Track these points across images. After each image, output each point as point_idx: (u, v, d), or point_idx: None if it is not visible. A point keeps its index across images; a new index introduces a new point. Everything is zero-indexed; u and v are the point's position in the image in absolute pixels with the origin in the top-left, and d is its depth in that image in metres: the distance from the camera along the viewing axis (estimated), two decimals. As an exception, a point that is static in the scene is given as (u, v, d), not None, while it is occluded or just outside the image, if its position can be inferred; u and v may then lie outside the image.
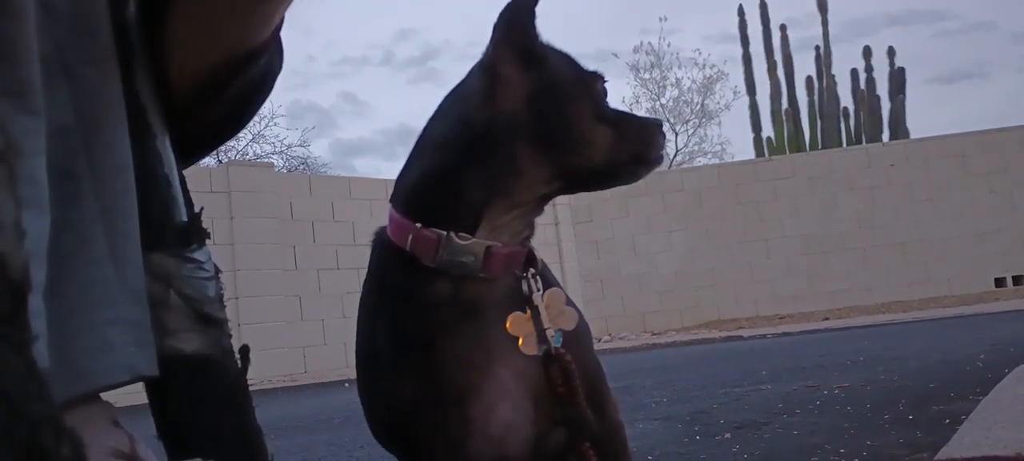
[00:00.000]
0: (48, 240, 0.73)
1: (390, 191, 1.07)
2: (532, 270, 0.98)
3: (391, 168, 44.69)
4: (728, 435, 2.58)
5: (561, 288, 1.02)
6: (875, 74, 16.58)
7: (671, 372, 5.17)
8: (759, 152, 16.39)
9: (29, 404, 0.44)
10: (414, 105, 42.10)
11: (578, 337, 1.01)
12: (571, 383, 0.95)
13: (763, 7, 16.81)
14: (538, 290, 0.97)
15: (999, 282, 12.37)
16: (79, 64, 0.88)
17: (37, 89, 0.68)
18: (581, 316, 1.04)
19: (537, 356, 0.95)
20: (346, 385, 7.65)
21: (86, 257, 0.86)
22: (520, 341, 0.95)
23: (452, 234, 0.94)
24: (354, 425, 4.25)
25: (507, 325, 0.95)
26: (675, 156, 23.56)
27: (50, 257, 0.74)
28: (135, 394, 1.28)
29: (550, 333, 0.95)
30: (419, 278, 0.95)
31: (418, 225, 0.96)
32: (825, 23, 16.85)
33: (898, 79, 16.43)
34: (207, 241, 1.18)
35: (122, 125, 0.93)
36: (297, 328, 9.58)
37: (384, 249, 1.01)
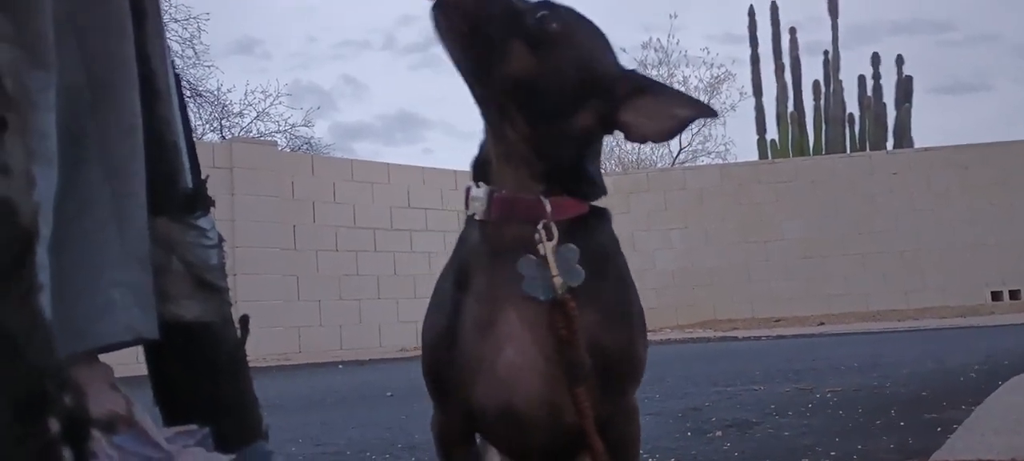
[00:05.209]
0: (54, 197, 0.74)
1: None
2: (543, 221, 1.02)
3: (391, 152, 44.54)
4: (719, 433, 2.58)
5: (597, 250, 1.06)
6: (882, 81, 16.54)
7: (665, 368, 5.18)
8: (763, 154, 16.36)
9: (33, 351, 0.44)
10: (414, 91, 41.75)
11: (623, 319, 1.07)
12: (571, 327, 0.99)
13: (774, 8, 16.75)
14: (550, 240, 1.01)
15: (995, 295, 12.37)
16: (91, 24, 0.88)
17: (50, 44, 0.68)
18: (637, 303, 1.10)
19: (544, 302, 1.00)
20: (340, 367, 7.66)
21: (90, 217, 0.86)
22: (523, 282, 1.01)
23: (472, 184, 1.06)
24: (347, 406, 4.26)
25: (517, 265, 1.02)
26: (678, 154, 23.57)
27: (55, 215, 0.74)
28: (129, 365, 1.28)
29: (558, 282, 0.99)
30: (468, 228, 1.08)
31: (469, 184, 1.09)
32: (835, 28, 16.79)
33: (905, 87, 16.39)
34: (211, 210, 1.18)
35: (132, 88, 0.93)
36: (293, 308, 9.58)
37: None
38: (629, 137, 1.07)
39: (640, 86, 1.06)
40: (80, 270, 0.87)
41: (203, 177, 1.15)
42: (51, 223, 0.65)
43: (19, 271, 0.45)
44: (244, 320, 1.20)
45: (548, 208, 1.03)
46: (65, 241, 0.82)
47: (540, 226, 1.02)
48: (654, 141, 1.08)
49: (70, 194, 0.84)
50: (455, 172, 10.92)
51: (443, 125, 38.57)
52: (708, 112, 1.07)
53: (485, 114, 1.06)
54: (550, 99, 1.02)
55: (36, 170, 0.56)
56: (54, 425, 0.44)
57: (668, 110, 1.06)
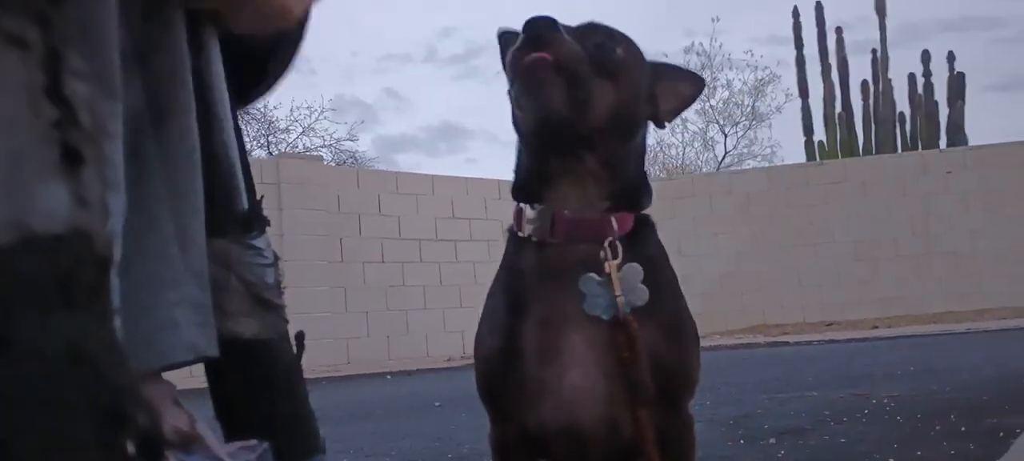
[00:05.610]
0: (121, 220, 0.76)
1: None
2: (609, 239, 1.02)
3: (434, 163, 44.78)
4: (773, 440, 2.55)
5: (649, 267, 1.04)
6: (933, 79, 16.13)
7: (714, 375, 5.12)
8: (810, 156, 16.08)
9: (111, 373, 0.47)
10: (456, 102, 41.88)
11: (679, 334, 1.07)
12: (634, 349, 0.99)
13: (818, 8, 16.48)
14: (615, 259, 1.01)
15: (1059, 296, 11.96)
16: (152, 50, 0.91)
17: (117, 75, 0.71)
18: (690, 315, 1.10)
19: (605, 322, 1.00)
20: (388, 377, 7.73)
21: (154, 237, 0.89)
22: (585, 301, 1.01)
23: (528, 205, 1.06)
24: (396, 417, 4.30)
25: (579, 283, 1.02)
26: (723, 158, 23.31)
27: (121, 234, 0.77)
28: (183, 379, 1.31)
29: (620, 301, 0.99)
30: (519, 249, 1.07)
31: (519, 204, 1.08)
32: (883, 26, 16.44)
33: (957, 85, 15.97)
34: (266, 229, 1.21)
35: (191, 111, 0.96)
36: (341, 319, 9.70)
37: (511, 233, 1.12)
38: (656, 124, 1.12)
39: (658, 74, 1.10)
40: (144, 288, 0.90)
41: (258, 197, 1.18)
42: (121, 248, 0.68)
43: (96, 296, 0.48)
44: (300, 337, 1.23)
45: (615, 226, 1.03)
46: (130, 260, 0.85)
47: (606, 244, 1.02)
48: (667, 121, 1.11)
49: (134, 214, 0.87)
50: (498, 181, 10.95)
51: (485, 134, 38.77)
52: (701, 83, 1.15)
53: (553, 145, 1.03)
54: (629, 119, 1.05)
55: (109, 199, 0.58)
56: (131, 446, 0.46)
57: (674, 89, 1.11)
